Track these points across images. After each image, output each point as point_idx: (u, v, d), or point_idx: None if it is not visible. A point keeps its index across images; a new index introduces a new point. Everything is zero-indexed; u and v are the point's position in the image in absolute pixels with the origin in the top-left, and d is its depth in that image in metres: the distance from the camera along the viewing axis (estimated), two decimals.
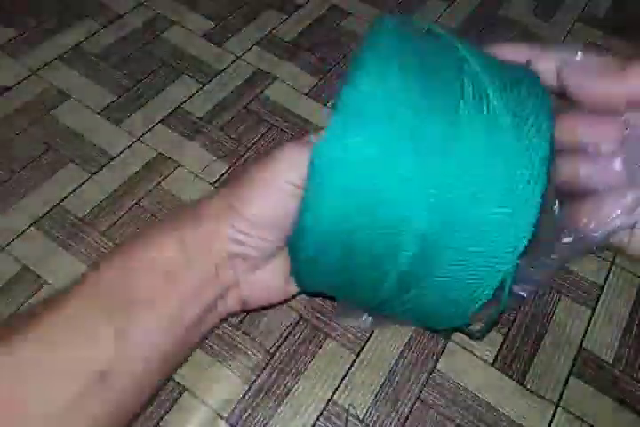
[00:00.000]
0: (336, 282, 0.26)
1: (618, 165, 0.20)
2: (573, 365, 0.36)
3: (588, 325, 0.38)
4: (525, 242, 0.18)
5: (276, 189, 0.24)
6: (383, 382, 0.35)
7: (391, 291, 0.22)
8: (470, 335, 0.31)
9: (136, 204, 0.41)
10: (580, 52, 0.19)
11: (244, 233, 0.25)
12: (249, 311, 0.32)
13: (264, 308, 0.31)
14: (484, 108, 0.20)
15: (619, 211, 0.19)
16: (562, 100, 0.21)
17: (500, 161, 0.19)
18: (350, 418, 0.33)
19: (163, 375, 0.24)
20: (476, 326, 0.24)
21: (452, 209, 0.19)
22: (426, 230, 0.19)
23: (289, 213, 0.24)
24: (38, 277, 0.37)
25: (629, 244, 0.21)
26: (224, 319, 0.27)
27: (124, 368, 0.21)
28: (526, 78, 0.21)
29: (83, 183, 0.41)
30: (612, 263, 0.41)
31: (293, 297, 0.30)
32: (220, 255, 0.25)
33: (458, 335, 0.36)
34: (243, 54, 0.51)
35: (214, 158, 0.43)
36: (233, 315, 0.32)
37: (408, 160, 0.19)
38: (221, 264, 0.25)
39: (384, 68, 0.21)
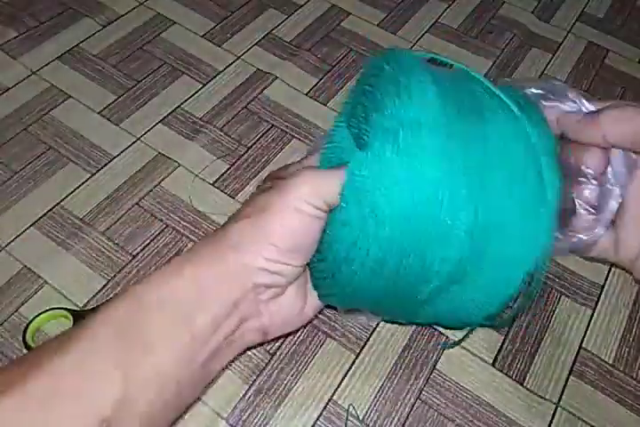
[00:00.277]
0: (369, 298, 0.27)
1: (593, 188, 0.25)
2: (573, 365, 0.36)
3: (588, 325, 0.38)
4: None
5: (302, 213, 0.24)
6: (383, 382, 0.35)
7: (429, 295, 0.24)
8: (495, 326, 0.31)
9: (136, 204, 0.41)
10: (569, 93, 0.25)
11: (275, 261, 0.24)
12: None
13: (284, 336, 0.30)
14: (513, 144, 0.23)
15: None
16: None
17: (525, 192, 0.22)
18: (350, 418, 0.33)
19: (178, 411, 0.24)
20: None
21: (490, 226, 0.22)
22: (471, 242, 0.22)
23: (315, 236, 0.25)
24: (38, 277, 0.37)
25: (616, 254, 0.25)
26: (244, 351, 0.26)
27: (132, 413, 0.21)
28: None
29: (83, 183, 0.41)
30: (613, 263, 0.41)
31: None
32: (244, 288, 0.24)
33: (458, 335, 0.36)
34: (243, 54, 0.51)
35: (214, 158, 0.43)
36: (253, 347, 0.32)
37: (462, 185, 0.21)
38: (243, 297, 0.24)
39: (425, 94, 0.22)
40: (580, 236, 0.24)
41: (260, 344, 0.35)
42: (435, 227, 0.21)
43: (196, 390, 0.25)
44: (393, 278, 0.23)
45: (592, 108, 0.24)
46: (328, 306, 0.30)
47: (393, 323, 0.36)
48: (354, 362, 0.35)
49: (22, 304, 0.35)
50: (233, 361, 0.34)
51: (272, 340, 0.30)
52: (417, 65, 0.24)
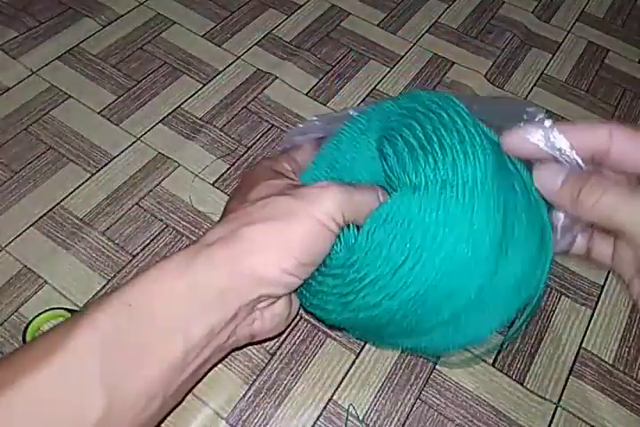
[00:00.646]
0: (359, 323, 0.27)
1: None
2: (573, 365, 0.36)
3: (588, 325, 0.38)
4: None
5: (325, 228, 0.24)
6: (383, 382, 0.35)
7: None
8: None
9: (136, 204, 0.41)
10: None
11: (289, 273, 0.23)
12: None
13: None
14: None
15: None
16: None
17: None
18: (350, 418, 0.33)
19: (164, 411, 0.23)
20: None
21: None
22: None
23: (327, 251, 0.25)
24: (38, 277, 0.37)
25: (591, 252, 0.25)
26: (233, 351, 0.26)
27: (116, 423, 0.20)
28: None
29: (83, 183, 0.41)
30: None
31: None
32: (248, 299, 0.23)
33: None
34: (243, 54, 0.51)
35: (214, 158, 0.43)
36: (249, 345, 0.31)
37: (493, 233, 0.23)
38: (244, 307, 0.23)
39: (482, 156, 0.24)
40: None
41: (259, 343, 0.35)
42: (462, 282, 0.23)
43: (181, 397, 0.24)
44: (396, 315, 0.25)
45: (562, 140, 0.22)
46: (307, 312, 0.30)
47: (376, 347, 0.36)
48: (354, 362, 0.35)
49: (22, 304, 0.35)
50: (223, 360, 0.34)
51: (265, 340, 0.30)
52: (476, 125, 0.25)
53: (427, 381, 0.35)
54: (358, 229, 0.26)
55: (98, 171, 0.42)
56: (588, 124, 0.22)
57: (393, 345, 0.29)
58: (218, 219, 0.39)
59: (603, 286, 0.40)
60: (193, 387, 0.25)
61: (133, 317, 0.21)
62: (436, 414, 0.34)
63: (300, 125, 0.33)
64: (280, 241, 0.23)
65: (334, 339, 0.36)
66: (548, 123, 0.22)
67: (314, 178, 0.30)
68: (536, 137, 0.22)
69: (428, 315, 0.24)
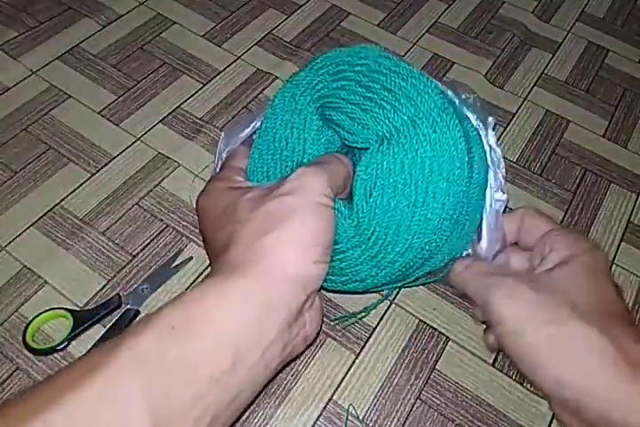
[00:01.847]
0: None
1: None
2: None
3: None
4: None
5: (327, 206, 0.25)
6: (383, 382, 0.35)
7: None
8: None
9: (136, 204, 0.41)
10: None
11: (322, 262, 0.25)
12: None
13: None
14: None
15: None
16: None
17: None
18: (350, 418, 0.33)
19: None
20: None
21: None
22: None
23: (335, 225, 0.27)
24: (38, 277, 0.37)
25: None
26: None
27: None
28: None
29: (83, 183, 0.41)
30: (612, 263, 0.41)
31: None
32: (297, 303, 0.23)
33: (458, 335, 0.36)
34: (243, 54, 0.51)
35: (214, 158, 0.43)
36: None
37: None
38: (295, 315, 0.24)
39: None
40: None
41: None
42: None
43: (238, 413, 0.23)
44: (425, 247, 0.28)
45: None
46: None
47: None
48: (354, 362, 0.35)
49: (22, 304, 0.35)
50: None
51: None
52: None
53: (427, 381, 0.35)
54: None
55: (98, 171, 0.42)
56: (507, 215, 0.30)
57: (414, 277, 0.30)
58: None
59: None
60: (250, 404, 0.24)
61: (177, 338, 0.21)
62: (436, 414, 0.34)
63: (222, 138, 0.34)
64: (299, 238, 0.24)
65: (334, 339, 0.36)
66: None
67: (263, 170, 0.31)
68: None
69: (447, 233, 0.27)
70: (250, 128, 0.34)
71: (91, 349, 0.33)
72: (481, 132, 0.29)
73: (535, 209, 0.30)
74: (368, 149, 0.29)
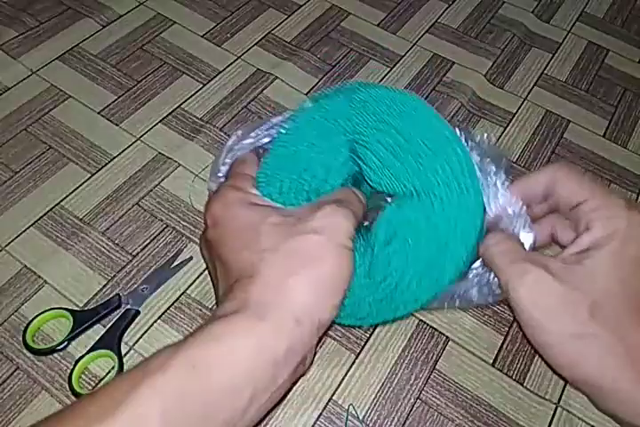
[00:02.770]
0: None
1: None
2: None
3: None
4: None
5: (349, 249, 0.26)
6: (383, 382, 0.35)
7: None
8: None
9: (136, 204, 0.41)
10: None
11: (340, 304, 0.26)
12: None
13: None
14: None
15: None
16: None
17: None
18: (350, 418, 0.33)
19: None
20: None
21: None
22: None
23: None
24: (38, 277, 0.37)
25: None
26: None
27: None
28: None
29: (83, 183, 0.41)
30: None
31: None
32: (312, 343, 0.25)
33: (458, 335, 0.36)
34: (243, 54, 0.51)
35: (214, 158, 0.43)
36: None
37: None
38: (310, 351, 0.25)
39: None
40: None
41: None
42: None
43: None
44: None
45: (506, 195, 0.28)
46: None
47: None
48: (354, 362, 0.35)
49: (22, 304, 0.35)
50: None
51: None
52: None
53: (427, 381, 0.35)
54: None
55: (98, 171, 0.42)
56: (535, 173, 0.28)
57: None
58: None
59: None
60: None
61: (196, 379, 0.21)
62: (436, 414, 0.34)
63: (230, 143, 0.33)
64: (324, 283, 0.25)
65: (334, 339, 0.36)
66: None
67: (276, 185, 0.30)
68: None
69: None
70: (260, 136, 0.33)
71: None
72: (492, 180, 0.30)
73: (568, 167, 0.27)
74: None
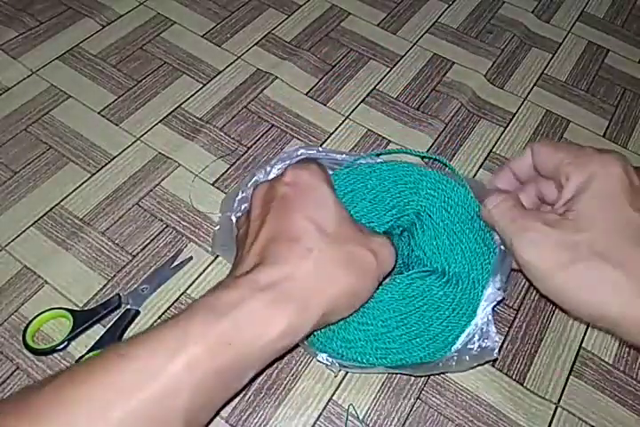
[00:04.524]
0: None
1: None
2: (573, 365, 0.36)
3: (589, 325, 0.38)
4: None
5: (378, 282, 0.29)
6: (383, 382, 0.35)
7: None
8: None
9: (136, 204, 0.41)
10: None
11: (345, 317, 0.29)
12: None
13: None
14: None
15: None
16: None
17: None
18: (350, 418, 0.33)
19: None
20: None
21: None
22: None
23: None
24: (38, 277, 0.37)
25: None
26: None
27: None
28: None
29: (83, 183, 0.41)
30: None
31: None
32: (320, 326, 0.27)
33: None
34: (243, 54, 0.51)
35: (214, 158, 0.43)
36: None
37: None
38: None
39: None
40: None
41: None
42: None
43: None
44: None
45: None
46: None
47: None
48: None
49: (22, 304, 0.35)
50: None
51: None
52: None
53: (427, 381, 0.35)
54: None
55: (98, 171, 0.42)
56: (517, 156, 0.33)
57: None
58: (217, 219, 0.39)
59: None
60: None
61: (232, 356, 0.22)
62: (436, 414, 0.34)
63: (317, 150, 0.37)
64: (353, 295, 0.27)
65: None
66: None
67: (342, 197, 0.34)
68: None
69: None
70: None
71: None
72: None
73: (544, 140, 0.31)
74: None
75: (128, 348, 0.22)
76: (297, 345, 0.26)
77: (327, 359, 0.31)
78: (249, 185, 0.36)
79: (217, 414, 0.30)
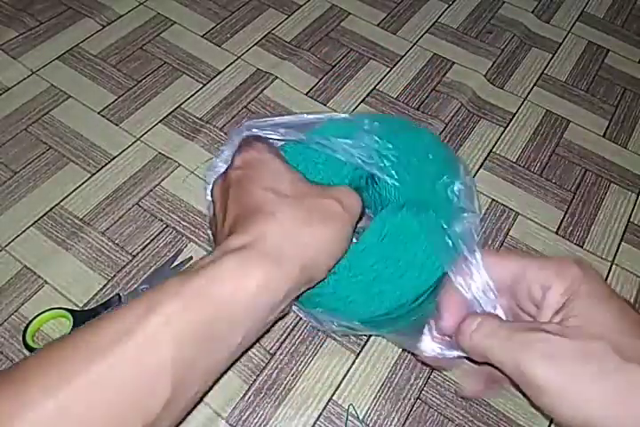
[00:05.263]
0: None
1: None
2: None
3: None
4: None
5: (353, 226, 0.28)
6: (383, 382, 0.35)
7: None
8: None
9: (136, 204, 0.41)
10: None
11: (331, 270, 0.28)
12: None
13: None
14: None
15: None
16: None
17: None
18: (350, 418, 0.33)
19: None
20: None
21: None
22: None
23: None
24: (38, 277, 0.37)
25: None
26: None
27: (174, 411, 0.22)
28: None
29: (83, 183, 0.41)
30: (612, 263, 0.41)
31: None
32: (305, 288, 0.27)
33: None
34: (243, 54, 0.51)
35: (214, 158, 0.43)
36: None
37: None
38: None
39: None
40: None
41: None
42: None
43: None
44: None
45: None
46: None
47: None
48: (354, 362, 0.35)
49: (22, 304, 0.35)
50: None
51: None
52: None
53: (427, 381, 0.35)
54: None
55: (98, 171, 0.42)
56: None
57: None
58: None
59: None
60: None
61: (205, 308, 0.22)
62: (435, 414, 0.34)
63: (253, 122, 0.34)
64: (333, 244, 0.27)
65: (334, 339, 0.36)
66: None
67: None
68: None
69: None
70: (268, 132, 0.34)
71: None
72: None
73: (489, 250, 0.29)
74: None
75: (106, 314, 0.23)
76: (296, 325, 0.26)
77: (335, 325, 0.31)
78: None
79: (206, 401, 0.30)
